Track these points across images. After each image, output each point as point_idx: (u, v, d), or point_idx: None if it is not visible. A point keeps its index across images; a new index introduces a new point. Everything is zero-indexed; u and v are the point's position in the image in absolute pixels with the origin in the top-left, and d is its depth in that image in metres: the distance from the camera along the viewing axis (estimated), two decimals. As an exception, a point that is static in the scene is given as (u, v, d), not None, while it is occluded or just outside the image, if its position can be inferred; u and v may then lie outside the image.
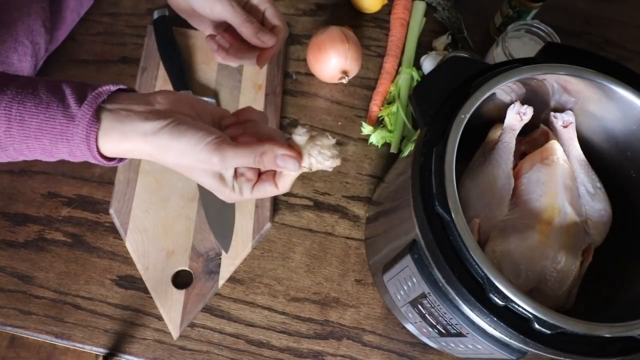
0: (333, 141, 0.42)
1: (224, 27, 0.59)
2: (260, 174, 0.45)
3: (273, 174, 0.45)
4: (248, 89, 0.73)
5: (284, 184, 0.44)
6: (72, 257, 0.64)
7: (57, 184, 0.67)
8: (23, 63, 0.63)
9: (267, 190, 0.44)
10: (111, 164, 0.43)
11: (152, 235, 0.64)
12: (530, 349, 0.40)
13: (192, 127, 0.40)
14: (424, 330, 0.53)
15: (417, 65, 0.77)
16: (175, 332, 0.61)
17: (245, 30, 0.53)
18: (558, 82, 0.49)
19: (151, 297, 0.62)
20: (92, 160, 0.42)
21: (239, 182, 0.44)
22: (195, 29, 0.75)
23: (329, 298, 0.64)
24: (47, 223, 0.65)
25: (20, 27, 0.62)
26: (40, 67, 0.70)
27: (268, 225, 0.66)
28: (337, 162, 0.42)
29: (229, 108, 0.71)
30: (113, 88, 0.42)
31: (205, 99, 0.70)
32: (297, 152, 0.42)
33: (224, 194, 0.44)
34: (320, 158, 0.42)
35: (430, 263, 0.43)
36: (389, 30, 0.79)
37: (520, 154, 0.53)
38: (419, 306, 0.49)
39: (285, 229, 0.67)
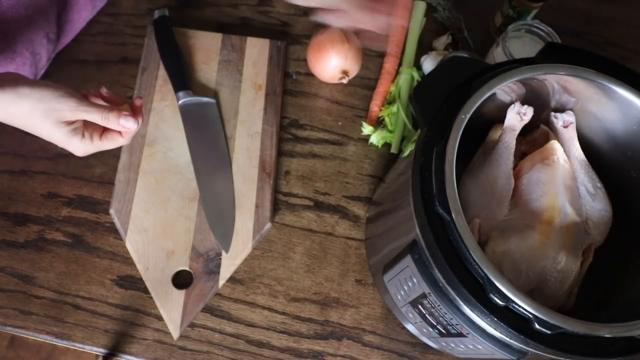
0: None
1: None
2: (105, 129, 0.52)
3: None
4: (248, 88, 0.73)
5: (128, 135, 0.52)
6: (72, 257, 0.64)
7: (57, 184, 0.67)
8: (21, 73, 0.63)
9: (115, 139, 0.52)
10: None
11: (152, 236, 0.64)
12: (530, 349, 0.40)
13: (44, 82, 0.47)
14: (424, 330, 0.53)
15: (417, 65, 0.77)
16: (175, 333, 0.61)
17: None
18: (558, 82, 0.49)
19: (151, 297, 0.62)
20: None
21: (88, 130, 0.51)
22: (196, 29, 0.75)
23: (329, 298, 0.64)
24: (47, 223, 0.65)
25: (19, 38, 0.62)
26: (41, 67, 0.71)
27: (268, 225, 0.66)
28: None
29: (229, 108, 0.71)
30: None
31: (206, 99, 0.70)
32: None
33: (74, 144, 0.50)
34: None
35: (431, 263, 0.43)
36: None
37: (521, 154, 0.53)
38: (420, 306, 0.49)
39: (285, 229, 0.67)
